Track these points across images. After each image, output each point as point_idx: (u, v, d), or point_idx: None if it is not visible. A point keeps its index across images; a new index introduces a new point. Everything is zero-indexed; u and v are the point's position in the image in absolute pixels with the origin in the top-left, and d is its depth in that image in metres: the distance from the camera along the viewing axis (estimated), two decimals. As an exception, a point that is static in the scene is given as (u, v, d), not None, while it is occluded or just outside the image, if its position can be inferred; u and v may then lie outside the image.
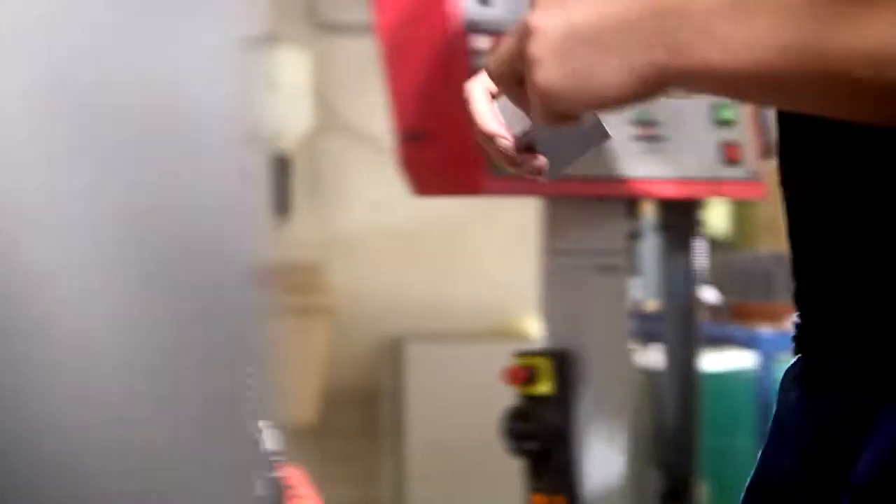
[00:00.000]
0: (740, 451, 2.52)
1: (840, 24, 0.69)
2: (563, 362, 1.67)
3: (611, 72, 0.75)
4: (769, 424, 0.92)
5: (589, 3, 0.77)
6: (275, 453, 0.73)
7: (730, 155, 1.74)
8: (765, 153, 1.76)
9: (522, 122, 0.91)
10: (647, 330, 1.81)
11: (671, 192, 1.72)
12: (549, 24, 0.77)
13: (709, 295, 2.56)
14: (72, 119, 0.69)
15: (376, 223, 3.49)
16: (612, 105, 0.77)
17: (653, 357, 1.85)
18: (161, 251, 0.70)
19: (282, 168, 3.26)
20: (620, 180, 1.66)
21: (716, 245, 2.72)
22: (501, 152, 0.93)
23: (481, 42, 1.61)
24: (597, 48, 0.75)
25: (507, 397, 1.70)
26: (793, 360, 0.90)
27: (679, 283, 1.82)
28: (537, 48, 0.77)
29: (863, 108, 0.71)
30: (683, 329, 1.81)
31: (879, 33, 0.68)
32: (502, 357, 1.72)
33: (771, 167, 1.22)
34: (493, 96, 0.94)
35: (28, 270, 0.68)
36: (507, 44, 0.81)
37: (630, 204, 1.73)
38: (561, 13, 0.77)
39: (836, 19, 0.69)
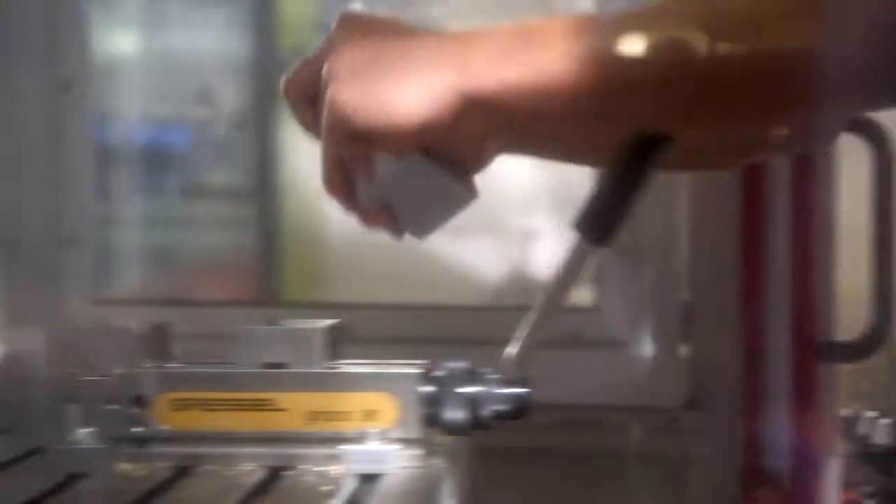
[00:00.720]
0: None
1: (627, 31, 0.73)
2: None
3: (406, 92, 0.76)
4: None
5: (394, 30, 0.79)
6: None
7: None
8: None
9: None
10: None
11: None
12: (350, 40, 0.79)
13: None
14: None
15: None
16: (407, 128, 0.77)
17: None
18: None
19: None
20: None
21: None
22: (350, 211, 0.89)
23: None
24: (395, 69, 0.76)
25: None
26: None
27: None
28: (337, 64, 0.78)
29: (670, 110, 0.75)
30: None
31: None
32: None
33: None
34: None
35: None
36: (305, 62, 0.82)
37: None
38: (362, 32, 0.79)
39: (625, 28, 0.73)
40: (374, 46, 0.78)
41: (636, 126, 0.79)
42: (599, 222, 0.88)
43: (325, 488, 0.83)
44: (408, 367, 0.92)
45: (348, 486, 0.84)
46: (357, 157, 0.82)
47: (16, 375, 1.48)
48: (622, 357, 1.55)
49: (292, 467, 0.89)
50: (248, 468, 0.89)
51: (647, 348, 1.56)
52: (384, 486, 0.84)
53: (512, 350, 0.92)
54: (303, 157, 1.73)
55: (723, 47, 0.73)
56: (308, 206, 1.73)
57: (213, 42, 1.74)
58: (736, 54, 0.73)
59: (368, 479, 0.86)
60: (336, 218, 1.79)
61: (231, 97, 1.74)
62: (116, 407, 0.90)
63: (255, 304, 1.72)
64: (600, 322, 1.55)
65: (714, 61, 0.73)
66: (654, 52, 0.73)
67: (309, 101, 0.82)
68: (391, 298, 1.62)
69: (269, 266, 1.75)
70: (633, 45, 0.74)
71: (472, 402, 0.91)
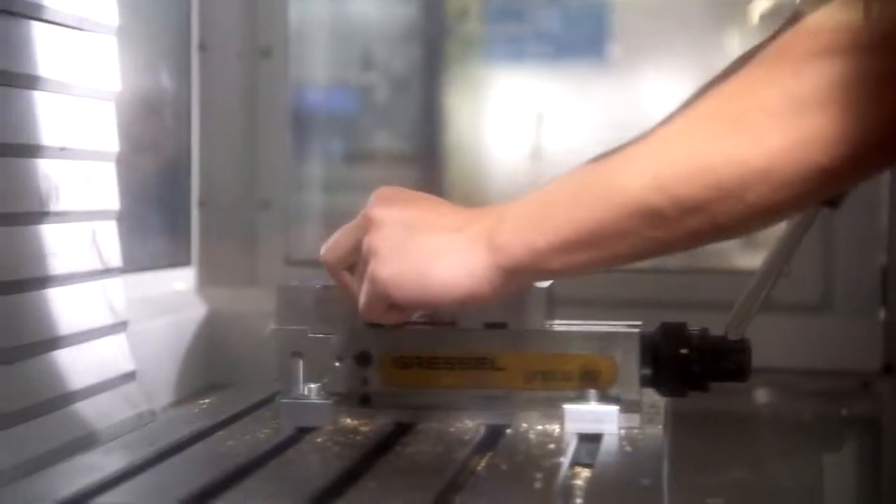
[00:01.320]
0: None
1: (630, 165, 0.75)
2: None
3: (443, 272, 0.81)
4: None
5: (428, 205, 0.85)
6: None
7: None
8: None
9: None
10: None
11: None
12: (388, 217, 0.84)
13: None
14: None
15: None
16: (446, 303, 0.83)
17: None
18: None
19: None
20: None
21: None
22: None
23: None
24: (431, 249, 0.82)
25: None
26: None
27: None
28: (377, 240, 0.83)
29: (682, 237, 0.75)
30: None
31: (662, 162, 0.73)
32: None
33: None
34: None
35: None
36: (345, 233, 0.88)
37: None
38: (400, 209, 0.84)
39: (628, 163, 0.76)
40: (412, 223, 0.83)
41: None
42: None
43: (550, 446, 0.84)
44: (627, 328, 0.92)
45: (571, 445, 0.85)
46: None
47: (222, 333, 1.53)
48: (816, 321, 1.53)
49: (511, 426, 0.91)
50: (468, 426, 0.91)
51: (842, 312, 1.54)
52: (606, 446, 0.85)
53: (732, 312, 0.92)
54: (466, 121, 1.74)
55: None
56: (470, 170, 1.74)
57: (381, 7, 1.76)
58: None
59: (589, 439, 0.87)
60: (499, 180, 1.80)
61: (397, 62, 1.76)
62: (341, 364, 0.93)
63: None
64: (794, 286, 1.53)
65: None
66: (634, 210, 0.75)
67: (349, 268, 0.89)
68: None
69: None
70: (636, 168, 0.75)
71: (691, 363, 0.91)
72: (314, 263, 1.68)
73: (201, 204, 1.62)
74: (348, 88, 1.77)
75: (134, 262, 1.31)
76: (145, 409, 1.15)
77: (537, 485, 0.74)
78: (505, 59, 1.75)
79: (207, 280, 1.61)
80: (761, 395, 1.53)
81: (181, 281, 1.57)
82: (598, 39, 1.74)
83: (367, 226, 0.86)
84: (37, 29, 1.02)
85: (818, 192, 0.72)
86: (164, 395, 1.38)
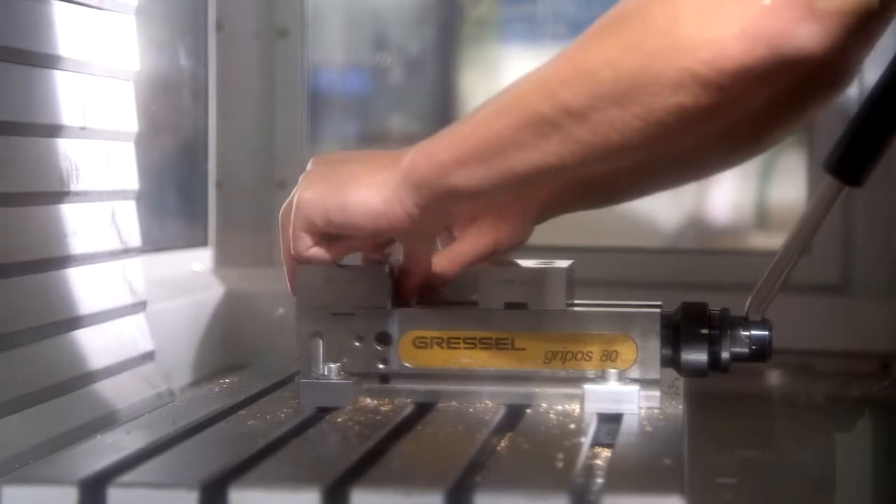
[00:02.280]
0: None
1: (527, 78, 0.78)
2: None
3: (361, 194, 0.85)
4: None
5: (357, 155, 0.90)
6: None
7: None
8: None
9: None
10: None
11: None
12: (318, 163, 0.89)
13: None
14: None
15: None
16: (366, 227, 0.85)
17: None
18: None
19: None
20: None
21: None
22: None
23: None
24: (351, 178, 0.85)
25: None
26: None
27: None
28: (304, 180, 0.88)
29: (580, 142, 0.76)
30: None
31: (550, 69, 0.76)
32: None
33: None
34: None
35: None
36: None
37: None
38: (331, 158, 0.90)
39: (526, 77, 0.78)
40: (336, 164, 0.88)
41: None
42: (854, 161, 0.87)
43: (571, 426, 0.84)
44: (647, 308, 0.92)
45: (592, 425, 0.85)
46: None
47: (239, 313, 1.53)
48: (834, 302, 1.52)
49: (531, 406, 0.91)
50: (488, 406, 0.91)
51: (861, 294, 1.54)
52: (627, 426, 0.85)
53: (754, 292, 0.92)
54: (480, 102, 1.74)
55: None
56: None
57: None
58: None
59: (609, 419, 0.87)
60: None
61: (412, 43, 1.75)
62: (361, 344, 0.93)
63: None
64: (813, 267, 1.52)
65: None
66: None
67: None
68: (587, 242, 1.62)
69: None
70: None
71: (712, 343, 0.91)
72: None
73: (218, 185, 1.62)
74: (363, 69, 1.77)
75: (151, 243, 1.31)
76: (164, 388, 1.16)
77: (559, 464, 0.74)
78: (519, 40, 1.75)
79: (224, 261, 1.61)
80: (779, 376, 1.53)
81: (198, 262, 1.57)
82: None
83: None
84: (57, 8, 1.02)
85: (693, 105, 0.72)
86: (182, 375, 1.38)
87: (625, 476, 0.72)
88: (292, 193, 0.89)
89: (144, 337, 1.15)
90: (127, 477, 0.71)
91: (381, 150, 0.90)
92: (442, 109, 1.77)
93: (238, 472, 0.72)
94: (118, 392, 1.07)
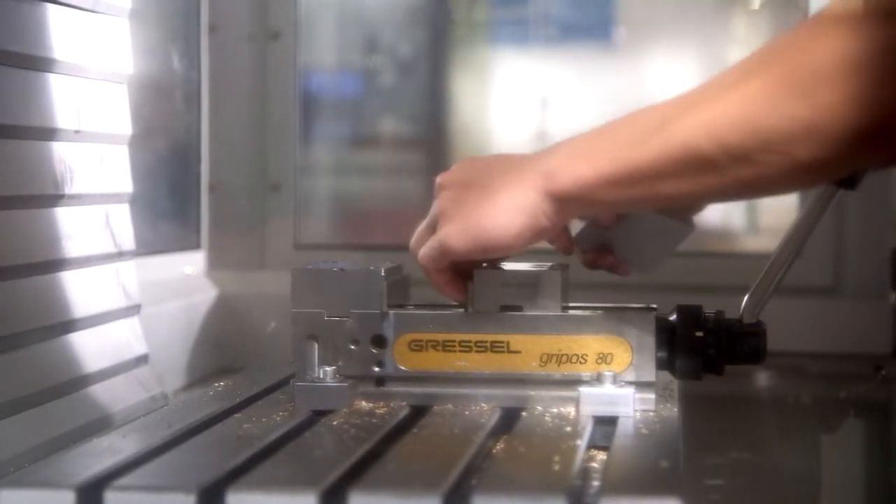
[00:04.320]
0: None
1: (685, 111, 0.78)
2: None
3: (498, 219, 0.85)
4: None
5: (486, 160, 0.90)
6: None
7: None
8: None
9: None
10: None
11: None
12: (450, 180, 0.89)
13: None
14: None
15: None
16: (508, 247, 0.86)
17: None
18: None
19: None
20: None
21: None
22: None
23: None
24: (486, 199, 0.86)
25: None
26: None
27: None
28: (440, 203, 0.89)
29: (737, 184, 0.77)
30: None
31: (714, 110, 0.77)
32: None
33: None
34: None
35: None
36: (425, 224, 0.92)
37: None
38: (462, 171, 0.89)
39: (683, 110, 0.78)
40: (472, 180, 0.88)
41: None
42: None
43: (567, 429, 0.85)
44: (642, 311, 0.92)
45: (588, 428, 0.85)
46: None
47: (232, 316, 1.53)
48: (827, 304, 1.53)
49: (526, 408, 0.91)
50: (483, 409, 0.91)
51: (853, 295, 1.54)
52: (622, 428, 0.85)
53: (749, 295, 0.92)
54: (472, 104, 1.74)
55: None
56: (476, 153, 1.74)
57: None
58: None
59: (604, 422, 0.87)
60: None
61: (403, 46, 1.75)
62: (357, 347, 0.93)
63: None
64: (805, 269, 1.53)
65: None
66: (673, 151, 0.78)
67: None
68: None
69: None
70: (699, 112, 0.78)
71: (707, 346, 0.91)
72: (323, 247, 1.70)
73: (211, 188, 1.61)
74: (355, 72, 1.77)
75: (144, 246, 1.31)
76: (158, 392, 1.16)
77: (556, 467, 0.74)
78: (510, 43, 1.75)
79: (217, 264, 1.61)
80: (771, 378, 1.54)
81: (191, 265, 1.57)
82: (604, 23, 1.74)
83: (436, 193, 0.90)
84: (52, 11, 1.02)
85: (859, 154, 0.74)
86: (175, 378, 1.38)
87: (622, 479, 0.72)
88: (430, 217, 0.90)
89: (139, 340, 1.15)
90: (124, 480, 0.71)
91: (507, 157, 0.90)
92: (433, 112, 1.77)
93: (235, 475, 0.72)
94: (113, 395, 1.07)
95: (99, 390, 1.06)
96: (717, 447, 1.38)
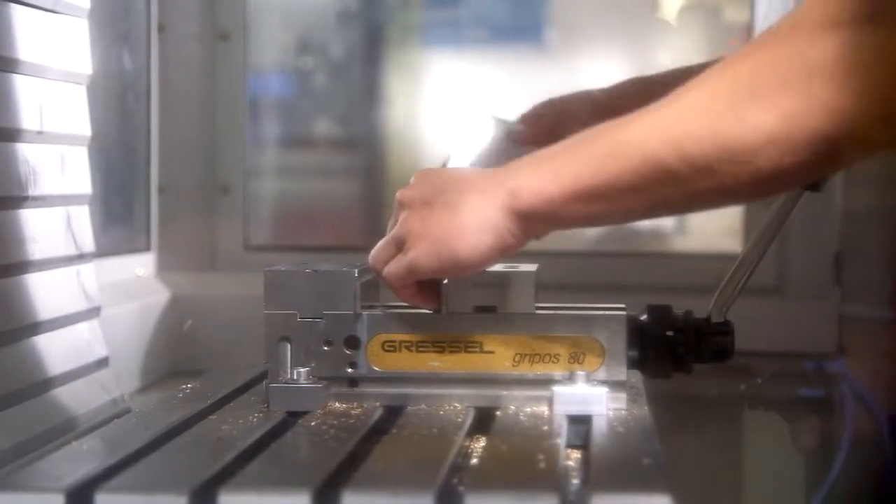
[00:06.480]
0: None
1: (648, 125, 0.77)
2: None
3: (467, 240, 0.85)
4: None
5: (448, 176, 0.89)
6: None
7: None
8: None
9: None
10: None
11: None
12: (412, 198, 0.88)
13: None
14: None
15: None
16: (477, 264, 0.86)
17: None
18: None
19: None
20: None
21: None
22: None
23: None
24: (454, 221, 0.85)
25: None
26: None
27: None
28: (404, 225, 0.88)
29: (697, 195, 0.77)
30: None
31: (677, 122, 0.76)
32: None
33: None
34: None
35: None
36: (386, 240, 0.91)
37: None
38: (425, 188, 0.88)
39: (645, 123, 0.78)
40: (434, 198, 0.87)
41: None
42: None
43: (544, 428, 0.85)
44: (613, 311, 0.94)
45: (564, 427, 0.86)
46: None
47: (184, 318, 1.52)
48: (771, 304, 1.55)
49: (499, 408, 0.92)
50: (457, 409, 0.92)
51: (797, 295, 1.57)
52: (598, 427, 0.86)
53: (716, 294, 0.94)
54: (405, 106, 1.74)
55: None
56: (410, 154, 1.75)
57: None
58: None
59: (578, 421, 0.88)
60: (439, 163, 1.80)
61: (337, 47, 1.75)
62: (330, 348, 0.93)
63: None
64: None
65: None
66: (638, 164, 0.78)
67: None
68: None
69: (373, 212, 1.77)
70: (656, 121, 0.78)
71: (677, 345, 0.93)
72: (272, 248, 1.69)
73: (161, 189, 1.60)
74: (296, 74, 1.77)
75: (97, 248, 1.30)
76: (118, 394, 1.15)
77: (542, 465, 0.75)
78: (443, 44, 1.76)
79: (167, 265, 1.60)
80: (715, 377, 1.56)
81: (141, 267, 1.56)
82: (536, 25, 1.76)
83: (398, 210, 0.89)
84: (14, 11, 1.01)
85: (823, 162, 0.74)
86: (130, 380, 1.37)
87: (610, 476, 0.73)
88: (394, 235, 0.90)
89: (99, 342, 1.14)
90: (114, 482, 0.71)
91: (467, 172, 0.90)
92: (367, 112, 1.78)
93: (224, 476, 0.72)
94: (76, 398, 1.06)
95: (62, 393, 1.05)
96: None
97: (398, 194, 0.90)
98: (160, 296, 1.52)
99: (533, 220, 0.84)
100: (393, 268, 0.89)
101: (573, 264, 1.58)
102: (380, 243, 0.92)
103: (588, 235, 1.69)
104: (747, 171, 0.74)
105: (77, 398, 1.07)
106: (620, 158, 0.78)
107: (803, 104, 0.72)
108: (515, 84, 1.72)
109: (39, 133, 1.04)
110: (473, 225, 0.85)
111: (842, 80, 0.71)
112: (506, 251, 0.85)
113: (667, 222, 1.72)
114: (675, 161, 0.76)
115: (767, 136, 0.73)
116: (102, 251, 1.41)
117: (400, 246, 0.89)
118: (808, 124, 0.72)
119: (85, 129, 1.15)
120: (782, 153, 0.73)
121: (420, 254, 0.87)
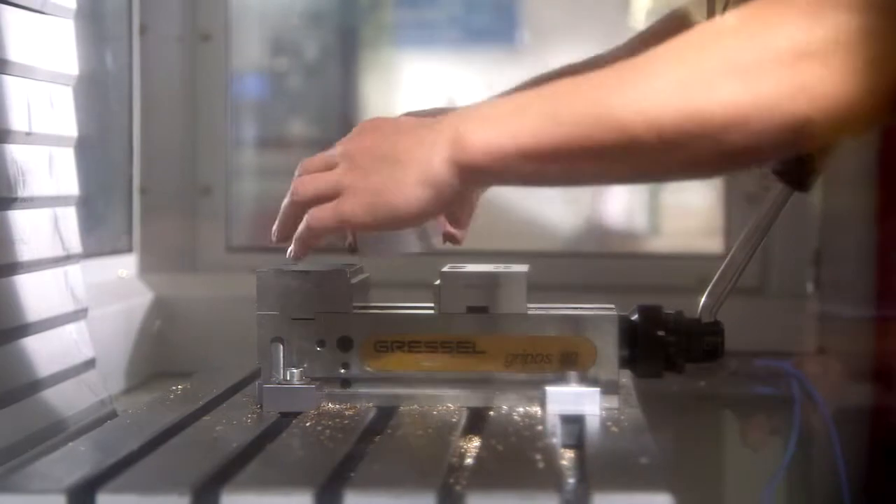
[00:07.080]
0: None
1: (618, 90, 0.74)
2: None
3: (406, 192, 0.81)
4: None
5: (392, 125, 0.85)
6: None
7: None
8: None
9: None
10: None
11: None
12: (352, 146, 0.84)
13: None
14: None
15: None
16: (412, 219, 0.83)
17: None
18: None
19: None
20: None
21: None
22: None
23: None
24: (394, 171, 0.82)
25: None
26: None
27: None
28: (343, 175, 0.84)
29: (661, 167, 0.76)
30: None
31: (651, 92, 0.73)
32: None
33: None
34: None
35: None
36: (319, 162, 0.86)
37: None
38: (363, 138, 0.84)
39: (616, 88, 0.74)
40: (376, 150, 0.83)
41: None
42: (801, 167, 0.90)
43: (538, 428, 0.86)
44: (605, 311, 0.94)
45: (558, 426, 0.86)
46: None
47: (166, 319, 1.52)
48: (750, 303, 1.56)
49: (492, 408, 0.92)
50: (450, 409, 0.92)
51: (777, 295, 1.58)
52: (592, 427, 0.87)
53: (707, 295, 0.94)
54: (380, 106, 1.75)
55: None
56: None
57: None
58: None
59: (571, 420, 0.89)
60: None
61: (311, 48, 1.76)
62: (322, 349, 0.93)
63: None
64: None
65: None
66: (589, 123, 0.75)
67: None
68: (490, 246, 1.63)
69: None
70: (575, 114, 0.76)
71: (668, 345, 0.94)
72: (254, 249, 1.69)
73: (143, 190, 1.60)
74: (271, 75, 1.77)
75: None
76: (106, 396, 1.15)
77: (540, 465, 0.75)
78: (415, 44, 1.76)
79: (149, 267, 1.59)
80: (692, 376, 1.57)
81: (123, 268, 1.55)
82: (508, 26, 1.76)
83: (337, 158, 0.86)
84: (3, 12, 1.01)
85: (795, 142, 0.73)
86: (115, 382, 1.36)
87: (609, 476, 0.74)
88: (328, 152, 0.86)
89: (86, 343, 1.14)
90: (116, 483, 0.71)
91: (412, 121, 0.85)
92: (342, 112, 1.78)
93: (225, 476, 0.72)
94: (64, 399, 1.06)
95: (51, 395, 1.05)
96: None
97: (338, 146, 0.86)
98: (143, 297, 1.52)
99: (477, 174, 0.80)
100: (321, 213, 0.85)
101: (549, 264, 1.59)
102: (311, 174, 0.87)
103: (567, 235, 1.70)
104: (716, 148, 0.72)
105: (65, 400, 1.06)
106: (585, 124, 0.75)
107: (784, 85, 0.71)
108: (488, 84, 1.73)
109: (28, 134, 1.04)
110: (413, 178, 0.81)
111: (830, 62, 0.70)
112: (443, 206, 0.82)
113: (643, 223, 1.73)
114: (646, 133, 0.73)
115: (742, 116, 0.71)
116: (85, 252, 1.41)
117: (331, 193, 0.85)
118: (780, 107, 0.71)
119: (71, 130, 1.14)
120: (753, 134, 0.71)
121: (355, 207, 0.83)
